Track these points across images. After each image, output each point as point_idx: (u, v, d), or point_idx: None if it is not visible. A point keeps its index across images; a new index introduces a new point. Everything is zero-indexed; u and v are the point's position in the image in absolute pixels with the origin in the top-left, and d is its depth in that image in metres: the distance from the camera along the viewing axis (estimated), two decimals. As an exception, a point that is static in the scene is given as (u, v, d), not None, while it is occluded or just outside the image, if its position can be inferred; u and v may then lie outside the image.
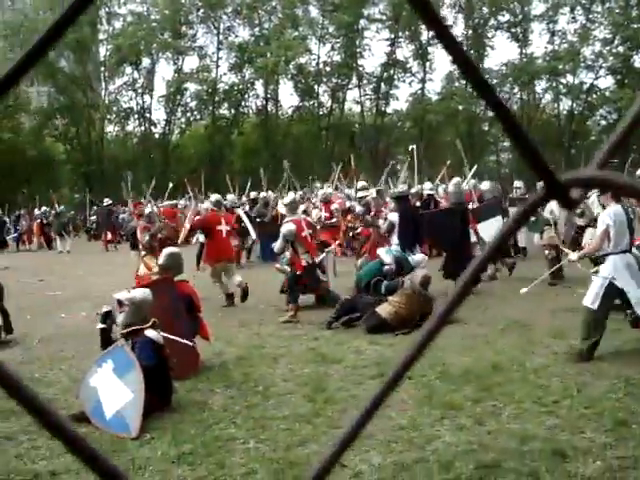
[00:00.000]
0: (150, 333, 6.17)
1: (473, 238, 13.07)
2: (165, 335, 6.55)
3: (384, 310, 9.06)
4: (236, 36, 50.41)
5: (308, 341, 8.84)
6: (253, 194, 21.30)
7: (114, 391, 5.86)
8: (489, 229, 12.71)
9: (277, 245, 10.71)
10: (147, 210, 13.64)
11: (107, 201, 28.41)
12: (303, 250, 10.39)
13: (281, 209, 14.45)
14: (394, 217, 11.80)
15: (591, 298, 7.22)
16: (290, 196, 12.33)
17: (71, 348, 8.90)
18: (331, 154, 44.92)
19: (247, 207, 19.79)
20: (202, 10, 49.32)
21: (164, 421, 5.88)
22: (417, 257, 10.62)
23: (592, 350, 7.20)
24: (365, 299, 9.50)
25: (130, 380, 5.85)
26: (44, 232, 29.69)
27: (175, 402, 6.24)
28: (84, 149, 49.69)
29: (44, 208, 30.54)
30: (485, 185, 15.08)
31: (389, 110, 52.07)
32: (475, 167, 15.54)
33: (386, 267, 9.90)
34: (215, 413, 6.05)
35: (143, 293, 6.53)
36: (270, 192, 22.82)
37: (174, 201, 27.24)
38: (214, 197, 13.94)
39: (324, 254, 11.68)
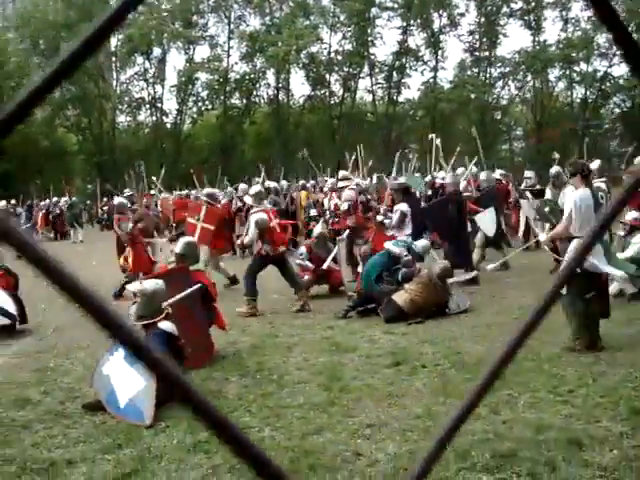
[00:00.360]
0: (163, 325, 6.17)
1: (469, 228, 13.03)
2: (173, 300, 6.56)
3: (400, 298, 9.04)
4: (247, 25, 50.49)
5: (322, 330, 8.84)
6: (267, 183, 21.27)
7: (127, 379, 5.87)
8: (483, 220, 12.77)
9: (249, 235, 10.61)
10: (116, 201, 13.67)
11: (127, 192, 28.58)
12: (268, 240, 10.31)
13: (247, 200, 14.39)
14: (404, 207, 11.59)
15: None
16: (256, 187, 12.30)
17: (85, 337, 8.91)
18: (343, 143, 44.87)
19: None
20: (213, -1, 49.30)
21: (179, 410, 5.89)
22: (420, 243, 10.49)
23: (593, 336, 7.14)
24: (382, 287, 9.45)
25: (142, 367, 5.84)
26: (52, 223, 29.92)
27: (190, 391, 6.25)
28: (96, 139, 49.86)
29: (56, 199, 30.74)
30: (483, 175, 15.02)
31: (401, 99, 52.02)
32: (476, 159, 15.47)
33: (405, 258, 9.82)
34: (230, 402, 6.06)
35: (155, 284, 6.53)
36: (284, 181, 22.83)
37: (185, 191, 27.30)
38: (207, 190, 13.89)
39: (336, 247, 11.60)
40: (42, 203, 31.06)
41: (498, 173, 18.09)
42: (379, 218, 11.80)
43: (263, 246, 10.30)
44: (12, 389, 6.82)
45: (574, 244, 7.20)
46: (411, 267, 9.69)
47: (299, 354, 7.67)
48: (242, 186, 20.43)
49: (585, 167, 7.54)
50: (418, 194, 16.65)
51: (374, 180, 18.27)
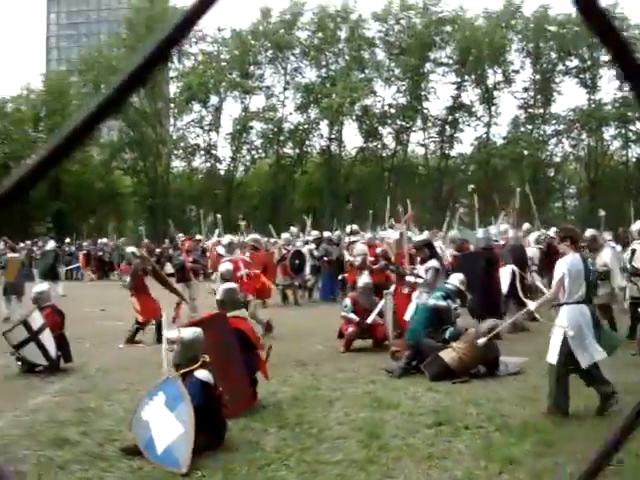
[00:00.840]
0: (199, 374, 6.12)
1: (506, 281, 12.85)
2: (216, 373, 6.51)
3: (448, 355, 8.88)
4: (303, 77, 51.29)
5: (364, 384, 8.70)
6: (314, 233, 21.44)
7: (165, 425, 5.83)
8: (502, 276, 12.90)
9: (217, 284, 10.68)
10: (129, 249, 14.00)
11: (180, 236, 29.21)
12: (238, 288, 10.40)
13: (220, 250, 14.71)
14: (436, 263, 11.09)
15: (552, 354, 7.12)
16: (228, 238, 12.45)
17: (128, 379, 8.96)
18: (394, 196, 44.88)
19: (313, 246, 19.92)
20: (270, 51, 50.35)
21: (216, 459, 5.82)
22: (453, 280, 10.21)
23: (562, 407, 6.98)
24: (428, 342, 9.29)
25: (181, 413, 5.83)
26: (97, 263, 30.58)
27: (227, 440, 6.18)
28: (151, 183, 50.87)
29: (105, 240, 31.47)
30: (511, 233, 14.99)
31: (453, 153, 51.99)
32: (502, 215, 15.36)
33: (457, 311, 9.74)
34: (267, 454, 5.96)
35: (193, 333, 6.51)
36: (337, 231, 22.95)
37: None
38: (227, 239, 13.90)
39: (382, 301, 11.40)
40: (84, 244, 31.86)
41: (552, 231, 17.94)
42: (411, 279, 11.28)
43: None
44: (52, 428, 6.84)
45: (563, 311, 7.15)
46: (458, 317, 9.60)
47: (340, 408, 7.53)
48: (284, 235, 20.78)
49: (574, 232, 7.71)
50: (472, 248, 16.50)
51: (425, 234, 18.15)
